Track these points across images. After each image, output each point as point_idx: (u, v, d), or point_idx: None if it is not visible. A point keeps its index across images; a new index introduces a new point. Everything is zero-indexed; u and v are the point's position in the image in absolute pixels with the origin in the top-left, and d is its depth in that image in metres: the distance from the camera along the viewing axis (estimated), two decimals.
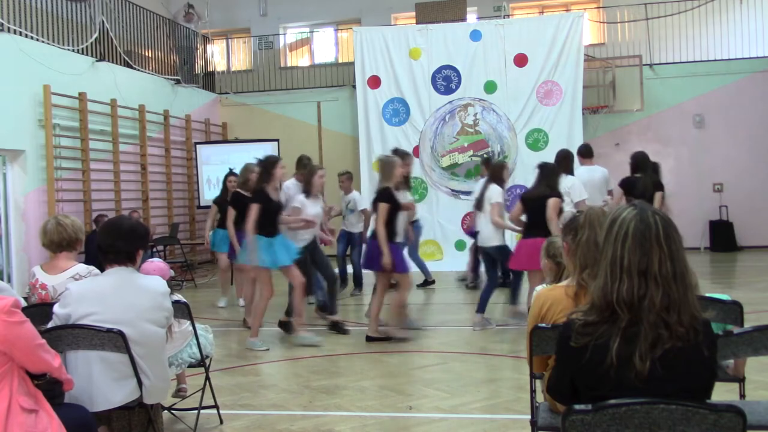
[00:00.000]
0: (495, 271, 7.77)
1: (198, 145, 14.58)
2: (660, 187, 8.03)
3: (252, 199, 7.07)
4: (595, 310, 2.11)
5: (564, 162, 7.97)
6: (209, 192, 13.94)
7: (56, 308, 3.44)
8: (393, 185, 7.08)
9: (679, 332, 2.02)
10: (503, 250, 7.57)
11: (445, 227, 14.19)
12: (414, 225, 9.81)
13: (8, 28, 10.16)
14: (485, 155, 13.36)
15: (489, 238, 7.59)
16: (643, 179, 7.99)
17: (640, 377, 2.01)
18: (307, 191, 7.48)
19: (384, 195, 6.98)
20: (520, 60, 14.22)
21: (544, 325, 2.92)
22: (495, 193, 7.60)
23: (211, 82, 16.46)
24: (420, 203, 13.99)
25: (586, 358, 2.07)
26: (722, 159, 14.59)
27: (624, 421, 1.90)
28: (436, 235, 14.09)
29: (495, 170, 7.94)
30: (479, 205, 7.81)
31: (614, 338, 2.05)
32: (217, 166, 13.91)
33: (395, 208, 6.95)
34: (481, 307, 7.48)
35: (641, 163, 8.15)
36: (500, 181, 7.76)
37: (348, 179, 9.85)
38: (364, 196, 10.51)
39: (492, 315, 7.85)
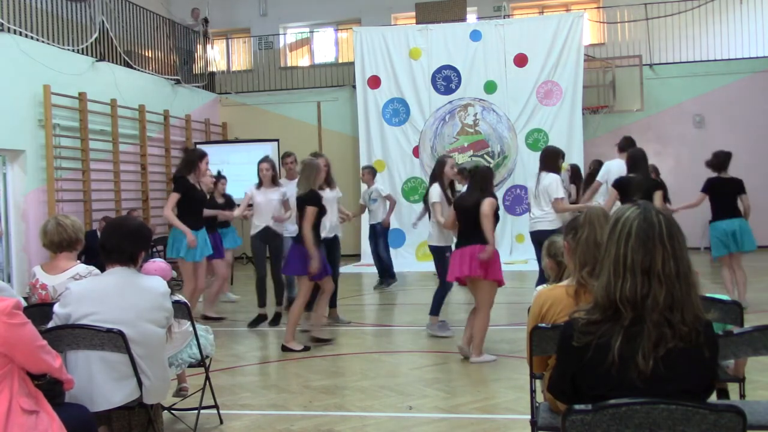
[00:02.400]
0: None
1: (198, 145, 14.56)
2: (659, 186, 7.51)
3: (174, 188, 7.51)
4: (599, 309, 2.12)
5: (549, 159, 7.59)
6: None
7: (56, 308, 3.44)
8: (317, 187, 7.02)
9: (682, 331, 2.03)
10: (440, 252, 7.10)
11: None
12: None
13: (8, 28, 10.16)
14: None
15: (431, 236, 7.22)
16: (636, 179, 7.34)
17: (643, 376, 2.01)
18: (258, 183, 8.05)
19: (311, 198, 6.78)
20: (520, 60, 14.22)
21: (544, 324, 2.92)
22: (434, 193, 7.14)
23: (211, 82, 16.45)
24: (420, 203, 14.01)
25: (588, 357, 2.08)
26: None
27: (624, 421, 1.90)
28: None
29: (437, 168, 7.33)
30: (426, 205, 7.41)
31: (616, 337, 2.05)
32: (217, 166, 13.84)
33: (321, 211, 6.90)
34: (434, 309, 7.14)
35: (637, 162, 7.46)
36: (442, 180, 7.18)
37: (369, 173, 10.84)
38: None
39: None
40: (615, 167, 8.21)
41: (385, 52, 14.69)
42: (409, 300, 10.40)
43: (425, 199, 7.51)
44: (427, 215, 11.30)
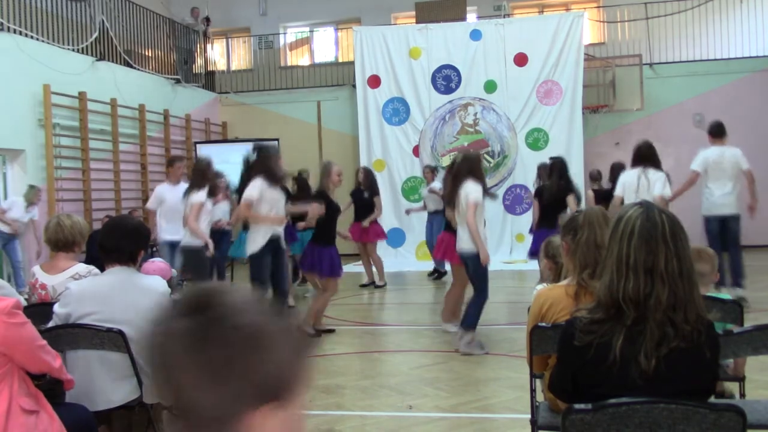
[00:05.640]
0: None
1: (198, 145, 14.58)
2: (568, 190, 8.23)
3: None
4: (601, 308, 2.11)
5: (654, 154, 7.50)
6: None
7: (56, 308, 3.44)
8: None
9: (685, 330, 2.03)
10: (477, 258, 6.28)
11: None
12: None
13: (8, 27, 10.15)
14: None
15: (464, 240, 6.38)
16: (549, 185, 8.39)
17: (645, 376, 2.01)
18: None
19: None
20: (520, 59, 14.21)
21: (544, 324, 2.92)
22: (475, 191, 6.28)
23: (211, 82, 16.45)
24: (420, 203, 14.01)
25: (589, 357, 2.08)
26: None
27: (624, 420, 1.90)
28: None
29: (474, 164, 6.52)
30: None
31: (617, 336, 2.05)
32: (217, 166, 13.85)
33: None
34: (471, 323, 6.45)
35: (550, 171, 8.57)
36: (482, 177, 6.54)
37: (430, 171, 11.60)
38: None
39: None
40: (707, 155, 8.26)
41: (385, 51, 14.69)
42: (409, 300, 10.40)
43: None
44: (426, 213, 11.42)
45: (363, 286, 10.82)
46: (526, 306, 3.21)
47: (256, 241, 6.61)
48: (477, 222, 6.20)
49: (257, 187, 6.57)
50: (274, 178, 6.68)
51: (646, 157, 7.35)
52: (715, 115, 14.63)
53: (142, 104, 13.10)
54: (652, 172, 7.21)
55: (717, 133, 8.36)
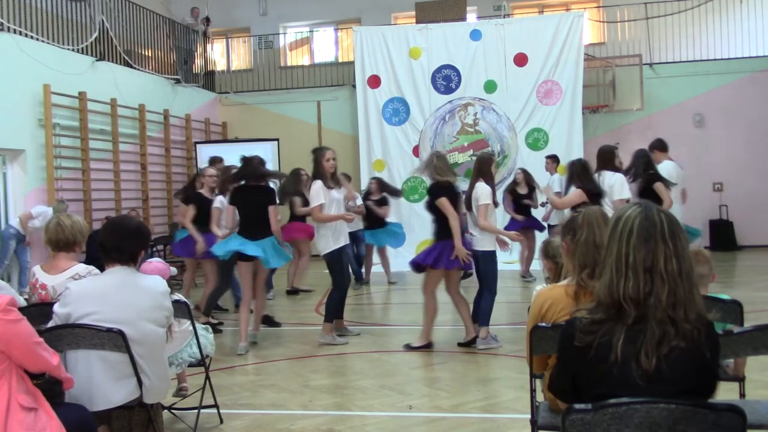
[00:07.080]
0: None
1: (198, 145, 14.58)
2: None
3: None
4: (601, 308, 2.11)
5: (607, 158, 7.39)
6: None
7: (56, 307, 3.44)
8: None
9: (685, 329, 2.02)
10: (490, 257, 6.67)
11: None
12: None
13: (8, 27, 10.16)
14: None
15: (477, 240, 6.64)
16: None
17: (646, 375, 2.01)
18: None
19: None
20: (520, 59, 14.22)
21: (544, 324, 2.92)
22: (484, 193, 6.59)
23: (211, 82, 16.45)
24: (420, 203, 14.00)
25: (590, 357, 2.07)
26: (722, 158, 14.58)
27: (624, 420, 1.90)
28: None
29: (484, 165, 6.79)
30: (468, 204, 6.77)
31: (618, 336, 2.05)
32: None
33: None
34: (485, 320, 6.67)
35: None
36: (491, 179, 6.78)
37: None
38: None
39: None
40: (669, 169, 8.17)
41: (385, 51, 14.69)
42: (410, 300, 10.39)
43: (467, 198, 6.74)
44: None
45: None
46: (526, 306, 3.21)
47: (330, 241, 6.89)
48: (489, 219, 6.56)
49: (319, 190, 6.83)
50: (326, 179, 6.94)
51: (602, 161, 7.27)
52: (715, 115, 14.73)
53: (142, 104, 13.11)
54: (608, 176, 7.07)
55: (666, 147, 8.50)
